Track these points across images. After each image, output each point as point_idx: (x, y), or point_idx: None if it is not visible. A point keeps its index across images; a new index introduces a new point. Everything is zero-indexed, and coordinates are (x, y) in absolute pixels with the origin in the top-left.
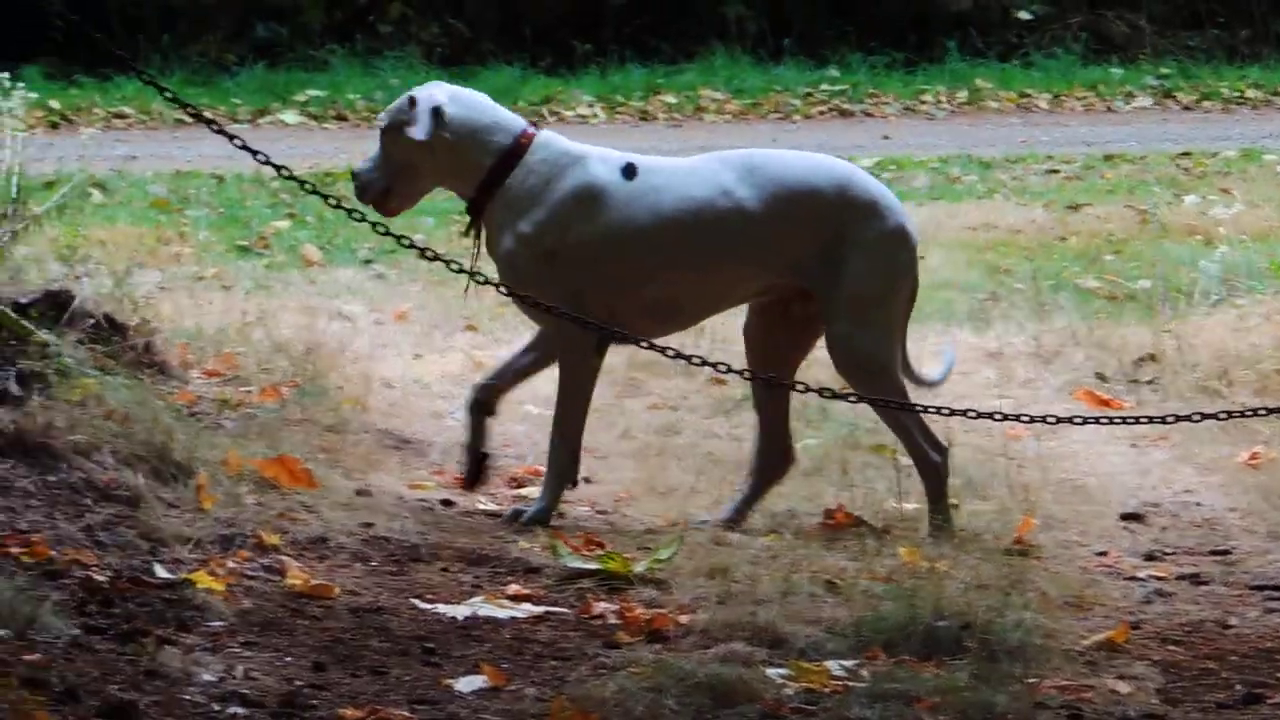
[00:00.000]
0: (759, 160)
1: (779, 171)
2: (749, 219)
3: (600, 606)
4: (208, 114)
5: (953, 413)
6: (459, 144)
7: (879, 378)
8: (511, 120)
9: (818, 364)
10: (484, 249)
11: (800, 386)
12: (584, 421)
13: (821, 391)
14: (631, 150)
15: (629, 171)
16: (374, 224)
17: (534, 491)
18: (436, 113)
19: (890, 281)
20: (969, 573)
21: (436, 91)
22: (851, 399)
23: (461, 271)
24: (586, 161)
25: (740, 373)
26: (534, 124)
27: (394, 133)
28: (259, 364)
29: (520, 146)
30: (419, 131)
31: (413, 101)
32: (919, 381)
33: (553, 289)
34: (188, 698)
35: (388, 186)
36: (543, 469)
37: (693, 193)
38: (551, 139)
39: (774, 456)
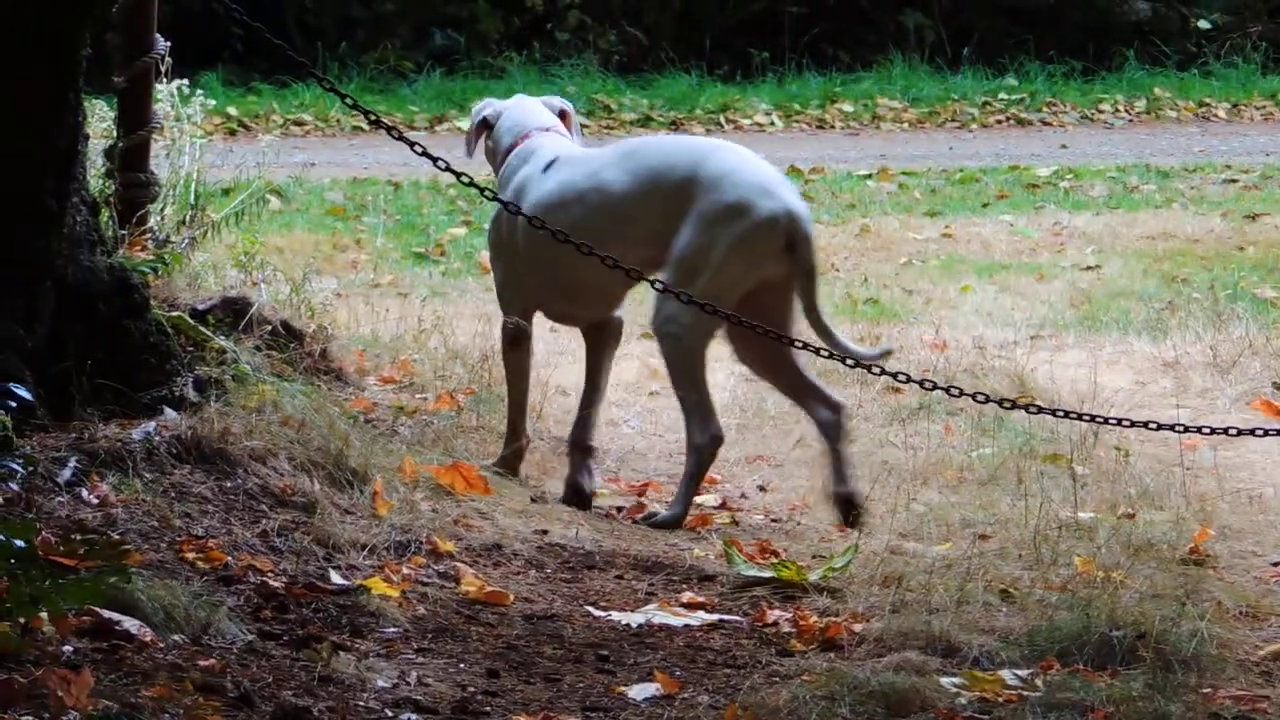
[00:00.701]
0: (643, 145)
1: (651, 155)
2: (614, 200)
3: (774, 614)
4: (386, 121)
5: (1133, 424)
6: (494, 148)
7: (679, 346)
8: (526, 123)
9: (995, 373)
10: None
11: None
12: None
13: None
14: (809, 157)
15: (548, 166)
16: (554, 232)
17: (709, 500)
18: (482, 125)
19: (710, 251)
20: (1144, 582)
21: (493, 104)
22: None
23: (640, 279)
24: (529, 163)
25: (920, 382)
26: (549, 128)
27: None
28: (435, 371)
29: (512, 148)
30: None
31: None
32: (852, 356)
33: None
34: (361, 704)
35: None
36: (718, 477)
37: (574, 180)
38: (536, 144)
39: (824, 415)
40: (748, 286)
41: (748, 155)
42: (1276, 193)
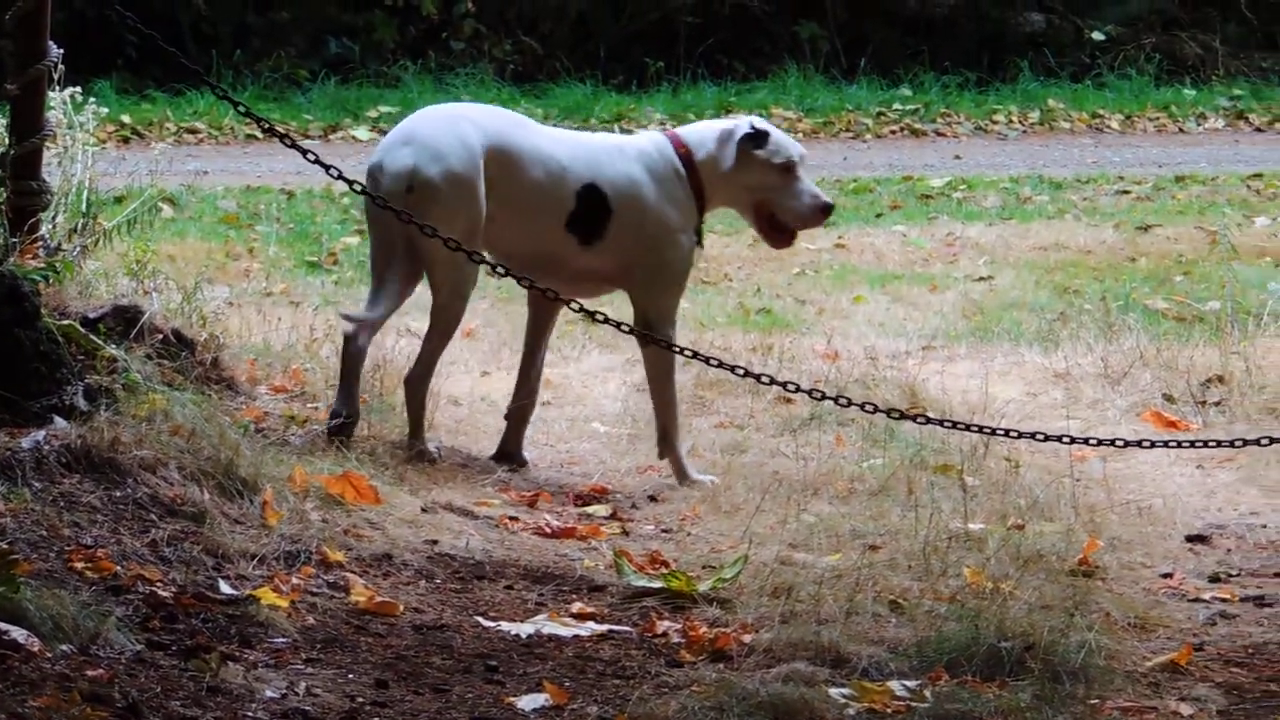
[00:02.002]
0: None
1: None
2: None
3: (664, 625)
4: (280, 129)
5: (1021, 435)
6: None
7: None
8: None
9: (886, 384)
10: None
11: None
12: None
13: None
14: None
15: None
16: (445, 240)
17: (600, 511)
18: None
19: None
20: (1033, 593)
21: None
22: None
23: (532, 287)
24: None
25: (809, 392)
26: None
27: None
28: (326, 380)
29: None
30: None
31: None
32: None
33: None
34: (250, 714)
35: None
36: (609, 487)
37: None
38: None
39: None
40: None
41: (431, 120)
42: (1168, 204)
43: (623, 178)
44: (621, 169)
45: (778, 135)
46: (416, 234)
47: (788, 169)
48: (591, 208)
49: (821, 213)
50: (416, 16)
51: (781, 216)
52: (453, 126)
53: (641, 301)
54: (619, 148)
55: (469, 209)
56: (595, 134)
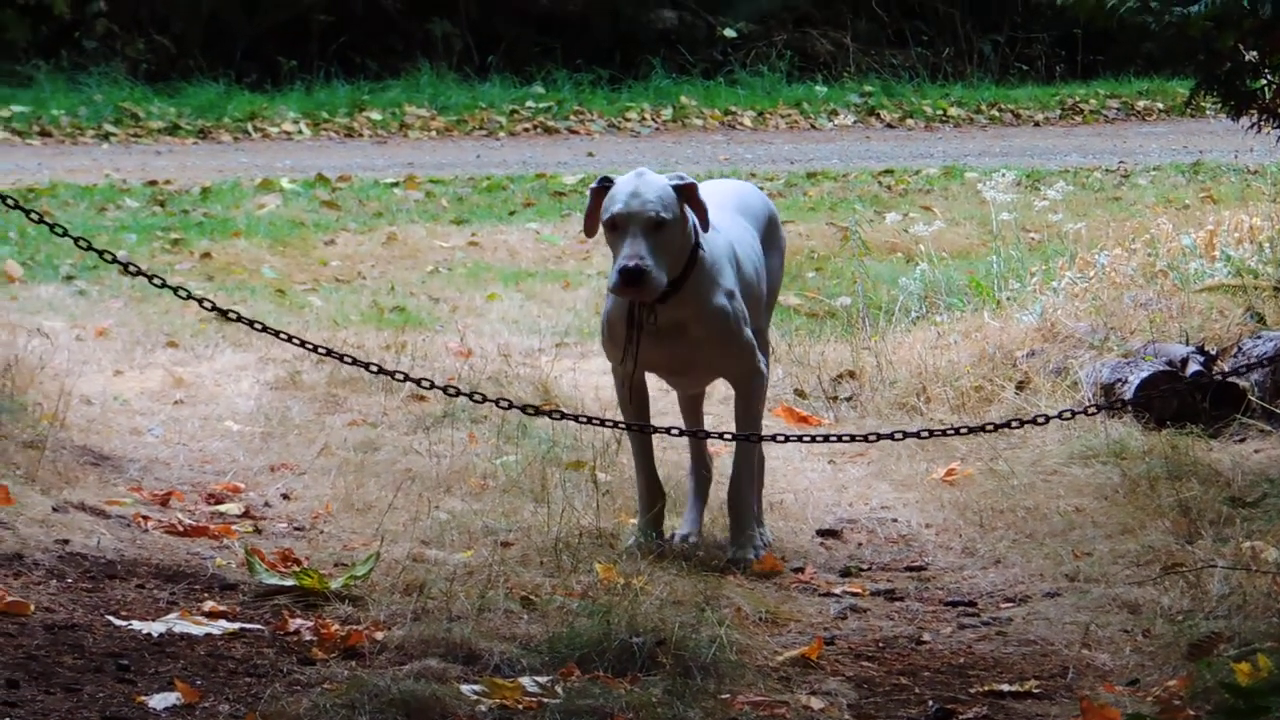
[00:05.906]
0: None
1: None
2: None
3: (296, 623)
4: None
5: (655, 429)
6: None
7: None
8: None
9: (520, 381)
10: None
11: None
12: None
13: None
14: (337, 165)
15: None
16: (76, 239)
17: (232, 509)
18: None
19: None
20: (665, 589)
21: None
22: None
23: (164, 286)
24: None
25: (444, 388)
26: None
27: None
28: None
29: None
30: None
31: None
32: None
33: None
34: None
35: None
36: (242, 486)
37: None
38: None
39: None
40: None
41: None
42: (801, 200)
43: None
44: None
45: (616, 188)
46: None
47: (611, 227)
48: None
49: (618, 275)
50: (48, 16)
51: None
52: None
53: None
54: None
55: None
56: None
